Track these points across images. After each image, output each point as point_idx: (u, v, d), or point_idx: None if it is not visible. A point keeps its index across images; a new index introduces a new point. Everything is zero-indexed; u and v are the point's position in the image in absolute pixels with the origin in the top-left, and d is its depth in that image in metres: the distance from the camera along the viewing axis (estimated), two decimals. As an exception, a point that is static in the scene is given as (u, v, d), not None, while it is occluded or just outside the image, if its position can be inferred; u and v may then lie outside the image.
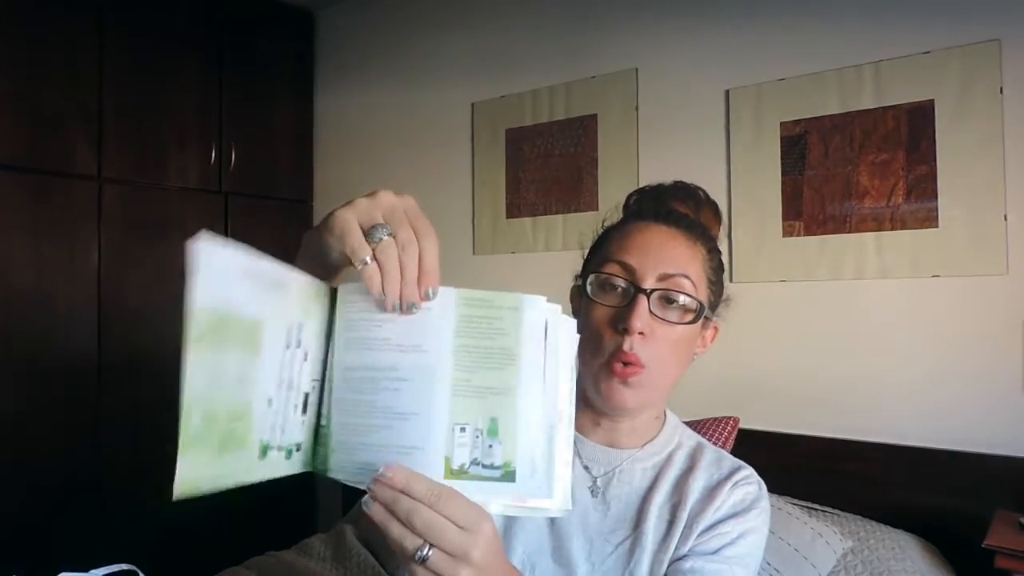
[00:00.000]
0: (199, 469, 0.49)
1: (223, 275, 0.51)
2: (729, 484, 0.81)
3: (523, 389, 0.55)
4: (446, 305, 0.55)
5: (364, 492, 0.54)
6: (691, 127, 2.12)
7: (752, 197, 2.01)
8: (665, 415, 0.90)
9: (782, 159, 1.96)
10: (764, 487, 0.84)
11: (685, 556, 0.77)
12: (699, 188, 0.93)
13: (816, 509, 1.72)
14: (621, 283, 0.80)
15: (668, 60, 2.16)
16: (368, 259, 0.53)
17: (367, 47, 2.89)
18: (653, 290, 0.78)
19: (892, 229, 1.81)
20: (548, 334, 0.56)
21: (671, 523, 0.79)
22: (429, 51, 2.70)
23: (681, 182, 0.93)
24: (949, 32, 1.74)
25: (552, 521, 0.81)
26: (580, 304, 0.84)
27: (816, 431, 1.88)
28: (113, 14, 2.38)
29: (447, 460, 0.54)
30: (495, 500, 0.55)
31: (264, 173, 2.84)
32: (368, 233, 0.54)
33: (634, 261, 0.79)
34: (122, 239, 2.41)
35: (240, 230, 2.71)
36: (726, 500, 0.80)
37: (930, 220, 1.77)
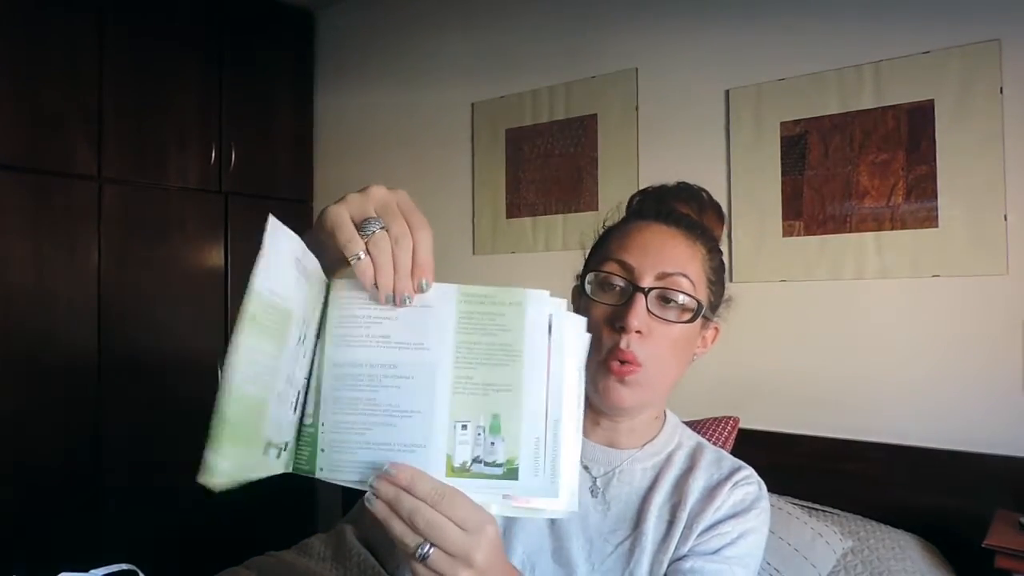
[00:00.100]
0: (237, 459, 0.47)
1: (283, 260, 0.50)
2: (729, 484, 0.81)
3: (526, 386, 0.54)
4: (447, 302, 0.55)
5: (363, 492, 0.54)
6: (691, 127, 2.12)
7: (752, 197, 2.01)
8: (665, 415, 0.90)
9: (782, 159, 1.96)
10: (764, 487, 0.84)
11: (685, 556, 0.77)
12: (702, 189, 0.93)
13: (816, 509, 1.72)
14: (619, 282, 0.80)
15: (668, 60, 2.16)
16: (361, 254, 0.53)
17: (367, 47, 2.89)
18: (651, 289, 0.78)
19: (892, 229, 1.81)
20: (553, 330, 0.55)
21: (671, 523, 0.79)
22: (429, 51, 2.70)
23: (685, 183, 0.93)
24: (949, 32, 1.74)
25: (552, 521, 0.81)
26: (580, 303, 0.84)
27: (816, 431, 1.88)
28: (113, 14, 2.38)
29: (448, 458, 0.54)
30: (498, 498, 0.54)
31: (264, 173, 2.84)
32: (361, 227, 0.53)
33: (633, 260, 0.79)
34: (122, 239, 2.41)
35: (240, 230, 2.71)
36: (726, 500, 0.80)
37: (930, 220, 1.77)
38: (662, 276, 0.79)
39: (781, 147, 1.96)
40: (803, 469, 1.82)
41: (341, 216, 0.54)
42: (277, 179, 2.90)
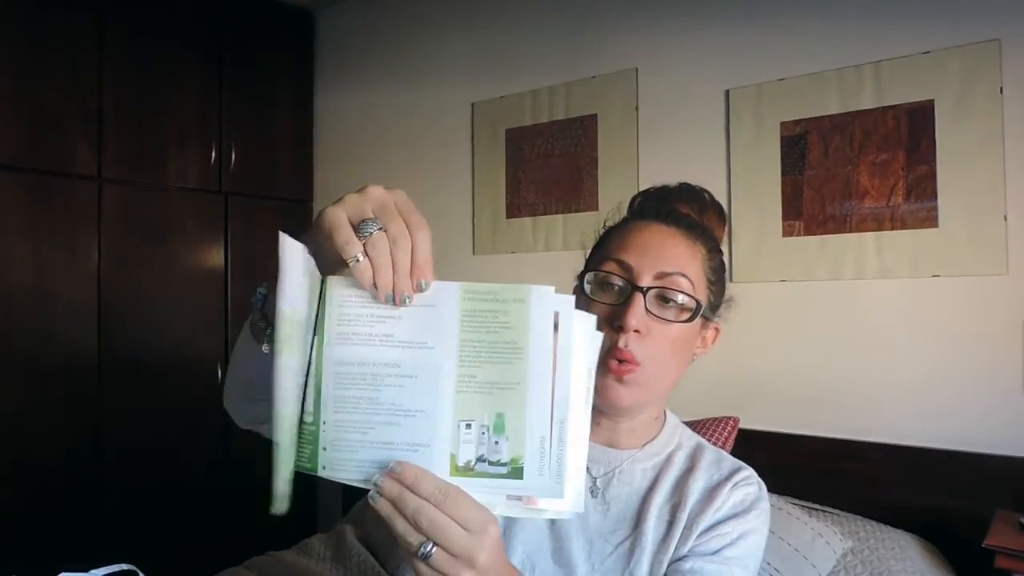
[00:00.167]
0: (290, 476, 0.53)
1: (297, 274, 0.52)
2: (729, 485, 0.81)
3: (531, 384, 0.53)
4: (449, 299, 0.54)
5: (364, 492, 0.54)
6: (691, 127, 2.12)
7: (752, 197, 2.01)
8: (665, 415, 0.90)
9: (782, 159, 1.96)
10: (764, 488, 0.84)
11: (685, 557, 0.77)
12: (704, 190, 0.93)
13: (816, 509, 1.72)
14: (618, 281, 0.79)
15: (668, 60, 2.16)
16: (360, 255, 0.52)
17: (367, 47, 2.89)
18: (650, 288, 0.78)
19: (892, 229, 1.81)
20: (559, 327, 0.54)
21: (671, 523, 0.79)
22: (429, 51, 2.70)
23: (687, 184, 0.93)
24: (949, 32, 1.74)
25: (552, 521, 0.81)
26: (580, 303, 0.84)
27: (816, 431, 1.88)
28: (113, 14, 2.38)
29: (452, 457, 0.54)
30: (502, 497, 0.54)
31: (264, 173, 2.84)
32: (358, 228, 0.53)
33: (632, 259, 0.79)
34: (122, 239, 2.41)
35: (240, 230, 2.71)
36: (726, 501, 0.80)
37: (930, 220, 1.77)
38: (661, 276, 0.79)
39: (781, 147, 1.96)
40: (803, 469, 1.82)
41: (338, 218, 0.53)
42: (277, 179, 2.90)
